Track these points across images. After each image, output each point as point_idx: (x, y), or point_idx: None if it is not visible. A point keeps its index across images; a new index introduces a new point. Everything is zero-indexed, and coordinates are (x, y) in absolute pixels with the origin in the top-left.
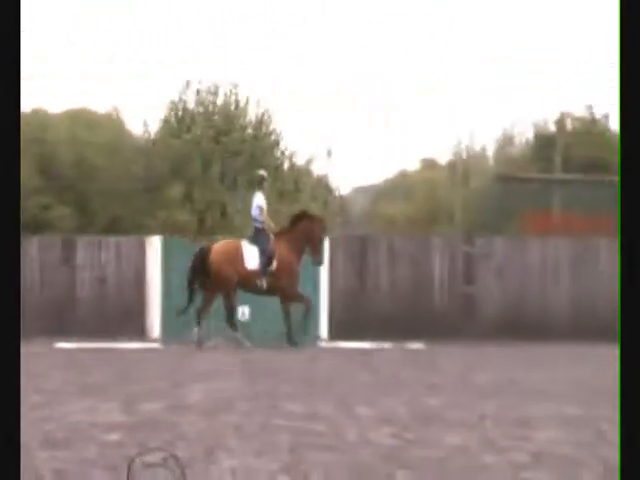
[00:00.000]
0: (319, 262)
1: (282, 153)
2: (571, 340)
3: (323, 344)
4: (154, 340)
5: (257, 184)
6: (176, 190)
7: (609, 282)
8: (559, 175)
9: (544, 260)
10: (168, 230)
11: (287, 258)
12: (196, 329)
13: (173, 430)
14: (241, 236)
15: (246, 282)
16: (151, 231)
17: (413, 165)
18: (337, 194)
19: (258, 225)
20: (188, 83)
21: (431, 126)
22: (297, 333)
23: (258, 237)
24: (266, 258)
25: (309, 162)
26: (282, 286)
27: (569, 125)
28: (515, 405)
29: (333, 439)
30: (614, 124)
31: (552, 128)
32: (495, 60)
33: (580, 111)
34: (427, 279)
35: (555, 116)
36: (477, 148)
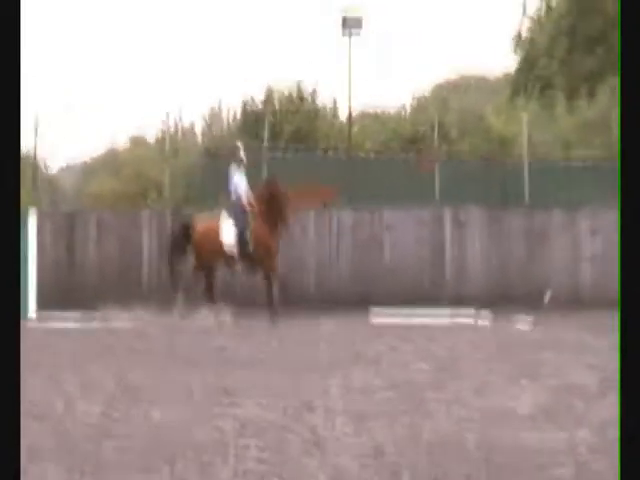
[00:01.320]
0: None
1: None
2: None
3: (32, 317)
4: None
5: (233, 157)
6: None
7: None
8: (267, 149)
9: None
10: None
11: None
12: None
13: None
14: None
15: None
16: None
17: (122, 143)
18: (45, 172)
19: (234, 199)
20: None
21: (140, 104)
22: None
23: (233, 212)
24: (243, 236)
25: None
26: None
27: (277, 101)
28: (222, 374)
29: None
30: (321, 100)
31: (260, 105)
32: (201, 36)
33: (288, 88)
34: (136, 254)
35: (263, 92)
36: (185, 124)
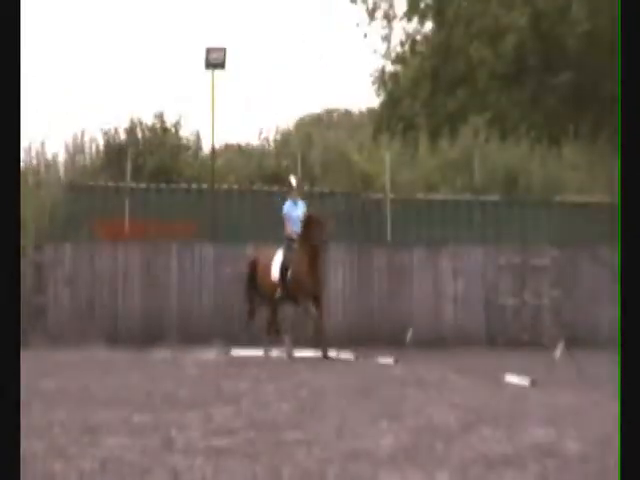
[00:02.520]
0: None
1: None
2: (143, 346)
3: None
4: None
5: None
6: None
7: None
8: (129, 183)
9: (114, 267)
10: None
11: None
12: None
13: None
14: None
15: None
16: None
17: None
18: None
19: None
20: None
21: None
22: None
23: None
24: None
25: None
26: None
27: (139, 133)
28: (84, 412)
29: None
30: (185, 134)
31: (123, 136)
32: (64, 65)
33: (151, 119)
34: None
35: (125, 124)
36: (48, 156)
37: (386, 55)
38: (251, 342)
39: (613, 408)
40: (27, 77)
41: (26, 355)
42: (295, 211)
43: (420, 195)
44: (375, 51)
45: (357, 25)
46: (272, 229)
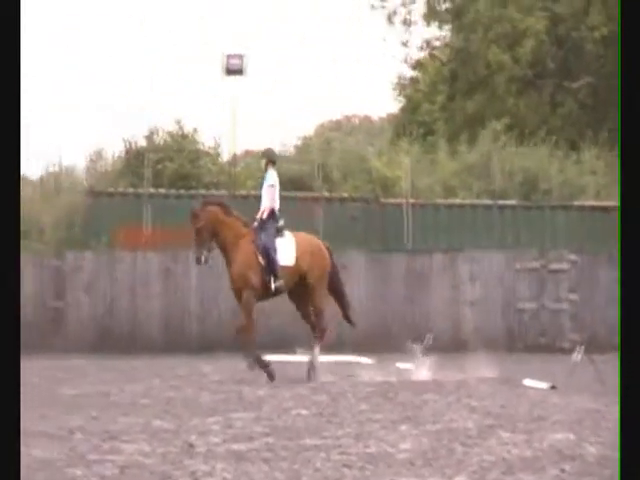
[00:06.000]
0: None
1: None
2: (162, 352)
3: None
4: None
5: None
6: None
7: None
8: (149, 189)
9: (133, 274)
10: None
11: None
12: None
13: None
14: None
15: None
16: None
17: None
18: None
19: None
20: None
21: (23, 141)
22: None
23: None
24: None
25: None
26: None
27: (159, 140)
28: (104, 418)
29: None
30: (204, 140)
31: (142, 142)
32: (85, 74)
33: (170, 125)
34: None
35: (145, 130)
36: (68, 162)
37: (405, 60)
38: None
39: None
40: (49, 83)
41: (46, 361)
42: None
43: (439, 200)
44: (394, 56)
45: (376, 32)
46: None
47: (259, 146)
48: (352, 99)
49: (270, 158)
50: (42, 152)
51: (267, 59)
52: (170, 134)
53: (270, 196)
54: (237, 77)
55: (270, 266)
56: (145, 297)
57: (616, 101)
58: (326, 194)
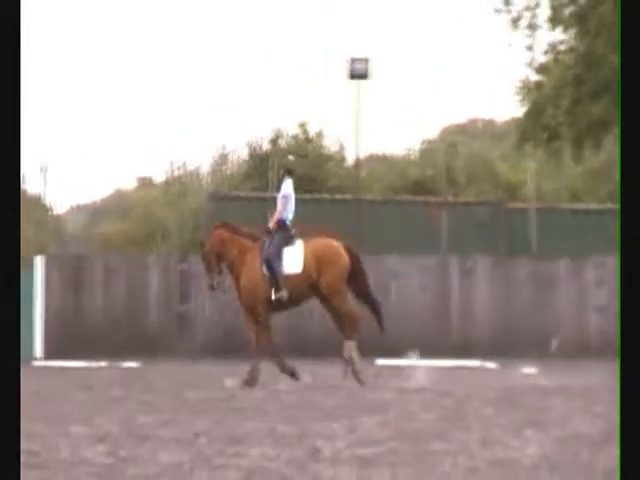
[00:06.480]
0: None
1: None
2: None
3: (38, 363)
4: None
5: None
6: None
7: None
8: (272, 193)
9: None
10: None
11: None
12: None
13: None
14: None
15: None
16: None
17: (129, 184)
18: (52, 213)
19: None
20: None
21: (147, 144)
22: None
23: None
24: None
25: (24, 179)
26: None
27: (283, 143)
28: (229, 422)
29: (47, 458)
30: (328, 144)
31: (267, 146)
32: (208, 79)
33: (294, 129)
34: (142, 297)
35: (270, 135)
36: (192, 166)
37: (529, 64)
38: (394, 353)
39: None
40: (175, 88)
41: (172, 365)
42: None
43: (565, 204)
44: (518, 60)
45: (500, 36)
46: (416, 239)
47: (384, 150)
48: (476, 103)
49: (286, 168)
50: (167, 155)
51: (391, 63)
52: (294, 138)
53: (280, 207)
54: (362, 80)
55: (272, 277)
56: None
57: None
58: (451, 198)
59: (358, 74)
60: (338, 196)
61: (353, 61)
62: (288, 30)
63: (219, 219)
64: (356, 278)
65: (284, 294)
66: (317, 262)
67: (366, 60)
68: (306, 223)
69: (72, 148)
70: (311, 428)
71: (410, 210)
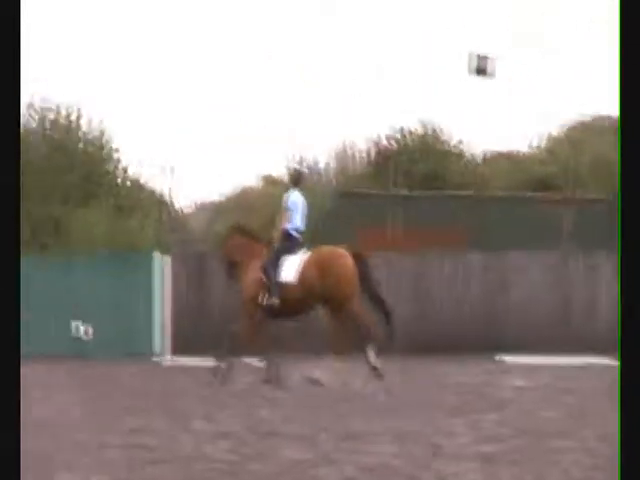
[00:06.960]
0: None
1: (117, 168)
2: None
3: (166, 360)
4: None
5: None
6: None
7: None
8: (395, 190)
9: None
10: None
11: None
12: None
13: None
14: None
15: None
16: None
17: (254, 181)
18: (178, 211)
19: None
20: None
21: (271, 142)
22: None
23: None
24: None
25: (149, 178)
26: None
27: (407, 141)
28: (350, 419)
29: (168, 453)
30: (451, 139)
31: (390, 144)
32: (332, 75)
33: (417, 126)
34: None
35: (392, 132)
36: (316, 164)
37: None
38: (516, 349)
39: None
40: (293, 86)
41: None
42: (302, 204)
43: None
44: None
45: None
46: (539, 236)
47: (507, 147)
48: (601, 100)
49: (292, 179)
50: (289, 151)
51: (517, 59)
52: (417, 135)
53: (284, 219)
54: (485, 77)
55: (266, 284)
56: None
57: None
58: (576, 195)
59: (482, 70)
60: (460, 192)
61: (477, 58)
62: (411, 26)
63: (342, 216)
64: (364, 280)
65: (275, 301)
66: (320, 270)
67: (491, 58)
68: (429, 219)
69: (197, 148)
70: (432, 424)
71: (534, 207)
